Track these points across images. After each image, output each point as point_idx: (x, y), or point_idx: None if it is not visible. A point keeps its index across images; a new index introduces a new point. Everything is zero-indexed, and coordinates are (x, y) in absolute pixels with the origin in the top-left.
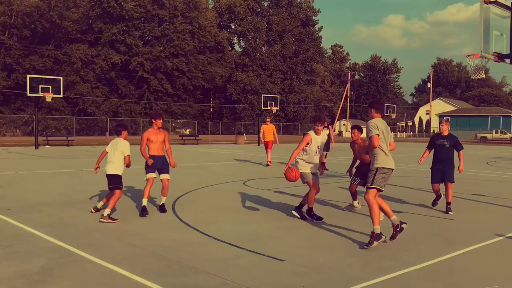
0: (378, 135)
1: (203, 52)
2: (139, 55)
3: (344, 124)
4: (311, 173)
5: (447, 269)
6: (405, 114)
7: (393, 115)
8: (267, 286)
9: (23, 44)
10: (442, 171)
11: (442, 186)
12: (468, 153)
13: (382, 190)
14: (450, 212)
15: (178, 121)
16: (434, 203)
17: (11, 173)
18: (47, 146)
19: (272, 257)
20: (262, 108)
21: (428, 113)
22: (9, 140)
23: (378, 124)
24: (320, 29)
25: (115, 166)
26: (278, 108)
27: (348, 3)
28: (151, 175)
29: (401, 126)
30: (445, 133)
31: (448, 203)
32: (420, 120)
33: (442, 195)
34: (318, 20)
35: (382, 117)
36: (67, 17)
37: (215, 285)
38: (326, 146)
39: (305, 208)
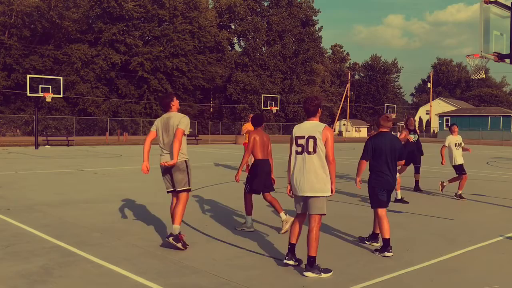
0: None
1: (203, 52)
2: (139, 55)
3: (344, 124)
4: (297, 196)
5: (447, 269)
6: (405, 114)
7: (393, 115)
8: (267, 286)
9: (23, 44)
10: None
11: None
12: (468, 153)
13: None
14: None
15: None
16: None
17: (11, 173)
18: (47, 146)
19: (272, 257)
20: (262, 108)
21: (428, 113)
22: (9, 140)
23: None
24: (320, 29)
25: None
26: (278, 108)
27: (348, 3)
28: None
29: (401, 126)
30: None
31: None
32: (420, 120)
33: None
34: (318, 20)
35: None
36: (67, 17)
37: (215, 285)
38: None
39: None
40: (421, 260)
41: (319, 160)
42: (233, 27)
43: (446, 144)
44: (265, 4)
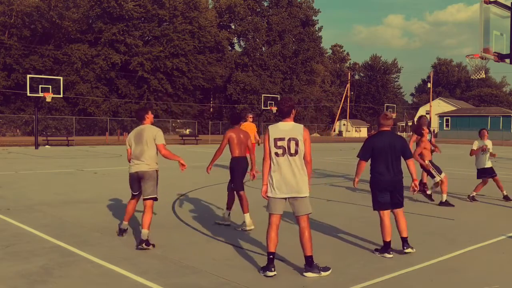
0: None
1: (203, 52)
2: (139, 55)
3: (344, 124)
4: (277, 198)
5: (447, 269)
6: (405, 114)
7: (393, 115)
8: (267, 286)
9: (23, 44)
10: None
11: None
12: (468, 153)
13: None
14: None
15: (178, 121)
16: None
17: (11, 173)
18: (47, 146)
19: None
20: (262, 108)
21: (428, 113)
22: (9, 140)
23: None
24: (320, 29)
25: None
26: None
27: (348, 3)
28: None
29: (401, 126)
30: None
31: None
32: None
33: None
34: (318, 20)
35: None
36: (67, 17)
37: (215, 285)
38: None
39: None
40: (421, 260)
41: (300, 161)
42: (233, 27)
43: (474, 148)
44: (265, 4)
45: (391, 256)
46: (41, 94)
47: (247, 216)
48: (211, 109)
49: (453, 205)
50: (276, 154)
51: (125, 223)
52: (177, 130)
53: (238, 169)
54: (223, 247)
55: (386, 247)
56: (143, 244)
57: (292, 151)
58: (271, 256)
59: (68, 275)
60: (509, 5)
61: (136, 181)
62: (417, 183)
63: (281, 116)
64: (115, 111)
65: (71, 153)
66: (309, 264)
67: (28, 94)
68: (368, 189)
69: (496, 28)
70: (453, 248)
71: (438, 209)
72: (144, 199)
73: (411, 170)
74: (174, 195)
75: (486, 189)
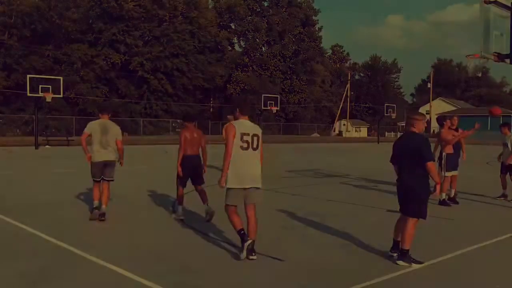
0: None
1: (203, 52)
2: (139, 55)
3: (344, 124)
4: (238, 188)
5: (447, 269)
6: (405, 114)
7: (393, 115)
8: (267, 286)
9: (23, 44)
10: None
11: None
12: (468, 153)
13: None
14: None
15: (178, 121)
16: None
17: (11, 173)
18: (47, 146)
19: (272, 257)
20: (262, 108)
21: (428, 113)
22: (9, 140)
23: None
24: (320, 29)
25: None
26: (278, 108)
27: (348, 3)
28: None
29: (402, 126)
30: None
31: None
32: None
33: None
34: (318, 20)
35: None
36: (67, 17)
37: (215, 285)
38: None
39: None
40: (421, 260)
41: (259, 155)
42: (233, 27)
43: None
44: (265, 4)
45: (395, 254)
46: (41, 94)
47: (179, 208)
48: (211, 109)
49: (449, 205)
50: (241, 147)
51: (97, 201)
52: (177, 130)
53: (187, 166)
54: (223, 247)
55: (394, 246)
56: (103, 217)
57: (255, 145)
58: (243, 231)
59: (68, 275)
60: (509, 5)
61: (102, 167)
62: (439, 187)
63: (242, 113)
64: (115, 111)
65: (71, 153)
66: (254, 246)
67: (28, 94)
68: (368, 189)
69: (496, 28)
70: (453, 248)
71: (438, 209)
72: (107, 181)
73: (430, 174)
74: (174, 195)
75: (486, 189)
